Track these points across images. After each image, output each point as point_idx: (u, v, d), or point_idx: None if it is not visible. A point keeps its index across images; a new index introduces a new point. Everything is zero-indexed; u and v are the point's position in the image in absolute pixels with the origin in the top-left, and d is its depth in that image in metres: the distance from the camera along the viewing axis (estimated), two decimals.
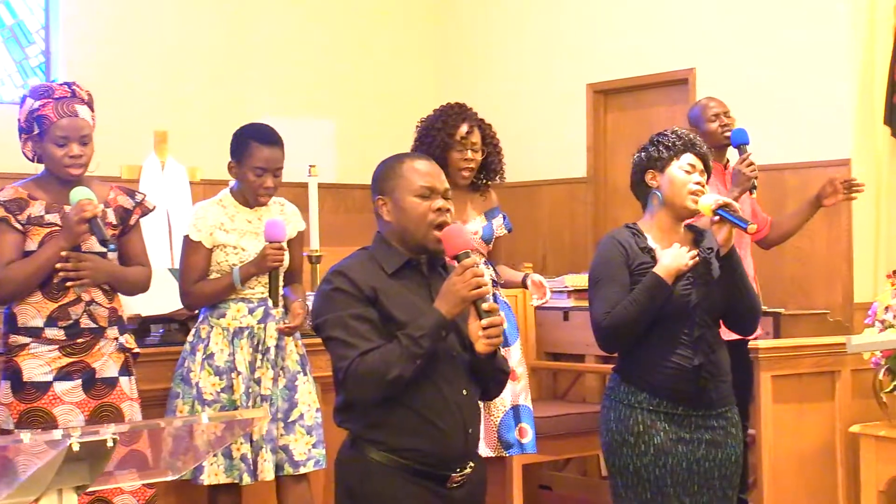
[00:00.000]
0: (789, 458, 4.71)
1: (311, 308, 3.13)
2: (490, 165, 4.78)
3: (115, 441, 1.98)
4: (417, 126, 4.75)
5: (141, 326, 4.72)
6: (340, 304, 2.98)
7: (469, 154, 4.65)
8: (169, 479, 2.24)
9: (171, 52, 7.69)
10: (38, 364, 3.74)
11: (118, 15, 7.56)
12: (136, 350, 3.97)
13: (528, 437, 4.72)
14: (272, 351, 4.19)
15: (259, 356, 4.18)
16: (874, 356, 4.57)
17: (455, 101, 4.83)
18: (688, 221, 3.69)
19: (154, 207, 4.09)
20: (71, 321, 3.78)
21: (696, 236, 3.68)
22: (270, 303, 4.19)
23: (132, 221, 3.99)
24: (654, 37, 7.44)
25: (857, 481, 4.78)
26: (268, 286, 4.16)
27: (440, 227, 3.04)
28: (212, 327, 4.20)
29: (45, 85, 3.86)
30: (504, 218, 4.87)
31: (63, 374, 3.75)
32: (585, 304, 6.04)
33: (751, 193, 5.05)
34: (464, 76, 8.53)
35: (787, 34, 6.73)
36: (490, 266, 4.77)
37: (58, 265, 3.73)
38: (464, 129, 4.64)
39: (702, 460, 3.54)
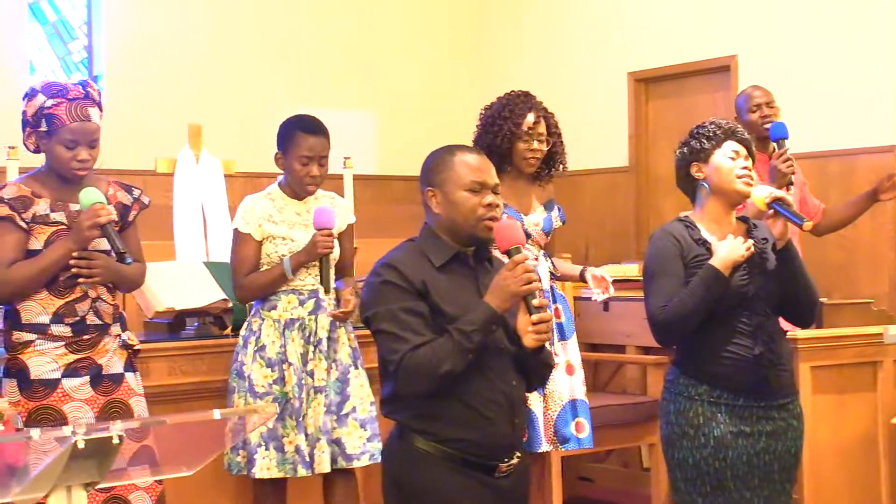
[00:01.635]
0: (830, 450, 4.65)
1: (360, 300, 3.12)
2: (553, 156, 4.73)
3: (121, 438, 1.98)
4: (481, 113, 4.69)
5: (176, 320, 4.75)
6: (391, 297, 3.00)
7: (535, 144, 4.60)
8: (184, 474, 2.24)
9: (207, 46, 7.72)
10: (45, 361, 3.71)
11: (158, 10, 7.60)
12: (138, 346, 3.95)
13: (585, 432, 4.68)
14: (324, 342, 4.20)
15: (311, 348, 4.18)
16: None
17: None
18: (738, 212, 3.65)
19: (149, 203, 4.03)
20: (77, 318, 3.75)
21: (749, 227, 3.64)
22: (322, 291, 4.19)
23: (130, 217, 3.94)
24: (695, 24, 7.36)
25: None
26: (319, 274, 4.16)
27: (490, 221, 3.06)
28: (263, 319, 4.21)
29: (60, 83, 3.80)
30: (559, 210, 4.83)
31: (70, 371, 3.73)
32: (626, 294, 6.05)
33: (787, 189, 4.97)
34: (504, 66, 8.48)
35: (829, 20, 6.63)
36: (548, 258, 4.72)
37: (71, 262, 3.71)
38: (530, 118, 4.58)
39: (762, 453, 3.51)
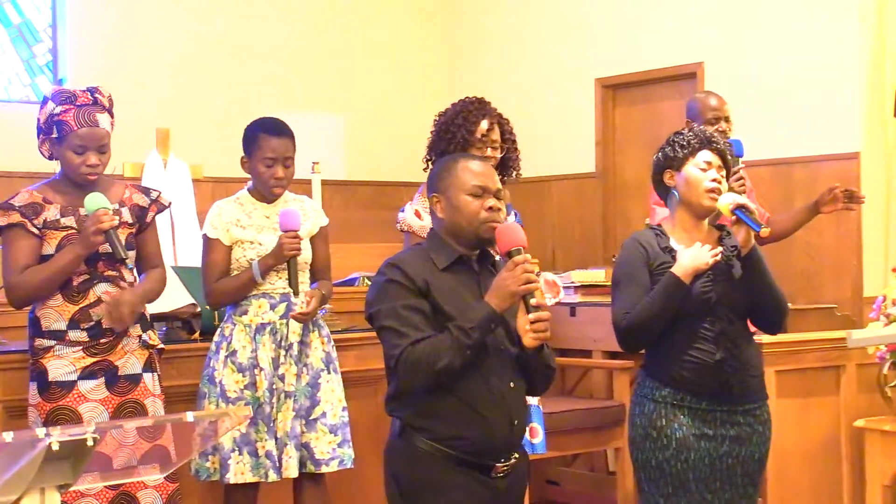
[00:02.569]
0: (794, 453, 4.70)
1: (365, 299, 3.20)
2: (507, 162, 4.74)
3: (95, 440, 1.98)
4: (435, 120, 4.68)
5: None
6: (394, 295, 3.09)
7: (489, 151, 4.59)
8: (155, 476, 2.24)
9: (175, 50, 7.70)
10: (62, 364, 3.80)
11: (124, 13, 7.58)
12: (160, 346, 4.03)
13: (539, 437, 4.70)
14: (295, 347, 4.20)
15: (282, 352, 4.18)
16: (879, 350, 4.54)
17: (464, 96, 4.78)
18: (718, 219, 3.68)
19: (170, 204, 4.15)
20: (92, 322, 3.83)
21: (722, 234, 3.67)
22: (292, 294, 4.20)
23: (148, 219, 4.03)
24: (662, 31, 7.42)
25: (861, 476, 4.77)
26: (288, 278, 4.16)
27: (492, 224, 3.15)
28: (234, 325, 4.21)
29: (68, 90, 3.89)
30: (516, 215, 4.85)
31: (87, 374, 3.82)
32: (592, 299, 6.09)
33: None
34: (472, 72, 8.52)
35: (795, 27, 6.70)
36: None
37: (101, 316, 3.80)
38: (484, 125, 4.57)
39: (725, 457, 3.53)
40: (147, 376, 3.94)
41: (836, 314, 5.70)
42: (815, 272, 6.51)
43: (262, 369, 4.15)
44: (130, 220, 3.95)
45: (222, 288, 4.21)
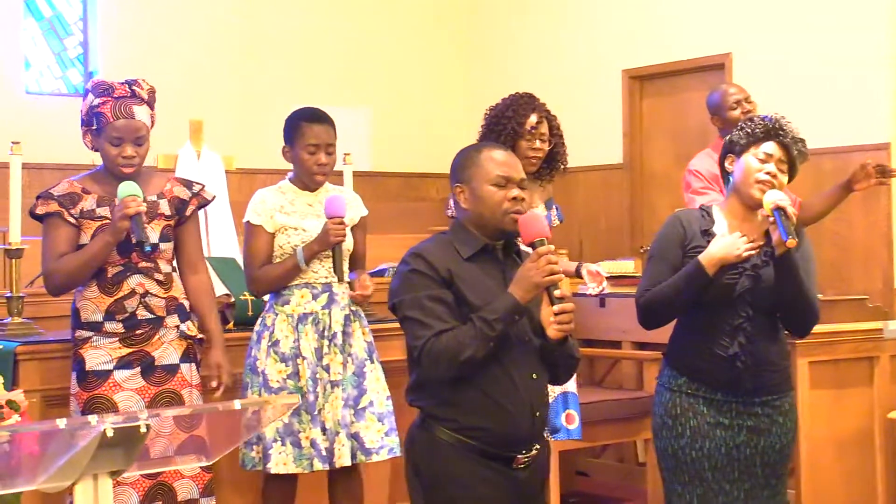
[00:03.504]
0: (827, 445, 4.69)
1: (389, 289, 3.18)
2: (555, 156, 4.80)
3: (148, 427, 2.00)
4: (486, 114, 4.77)
5: None
6: (418, 286, 3.07)
7: (537, 144, 4.66)
8: (203, 464, 2.26)
9: (205, 42, 7.73)
10: (99, 354, 3.84)
11: (154, 5, 7.61)
12: (200, 336, 4.03)
13: (575, 424, 4.74)
14: (339, 336, 4.21)
15: (326, 342, 4.18)
16: None
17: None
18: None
19: (213, 198, 4.16)
20: (127, 314, 3.86)
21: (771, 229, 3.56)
22: (335, 281, 4.21)
23: (188, 212, 4.03)
24: (689, 22, 7.40)
25: (895, 467, 4.75)
26: (332, 264, 4.18)
27: (516, 214, 3.12)
28: (276, 314, 4.21)
29: (107, 82, 3.91)
30: (557, 209, 4.89)
31: (123, 364, 3.85)
32: (621, 290, 6.08)
33: None
34: (499, 64, 8.52)
35: (823, 17, 6.68)
36: None
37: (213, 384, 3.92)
38: (533, 118, 4.65)
39: (742, 446, 3.52)
40: (184, 366, 3.95)
41: (868, 305, 5.68)
42: (845, 263, 6.49)
43: (304, 359, 4.16)
44: (168, 213, 3.95)
45: (266, 275, 4.22)
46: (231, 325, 4.74)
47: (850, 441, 4.74)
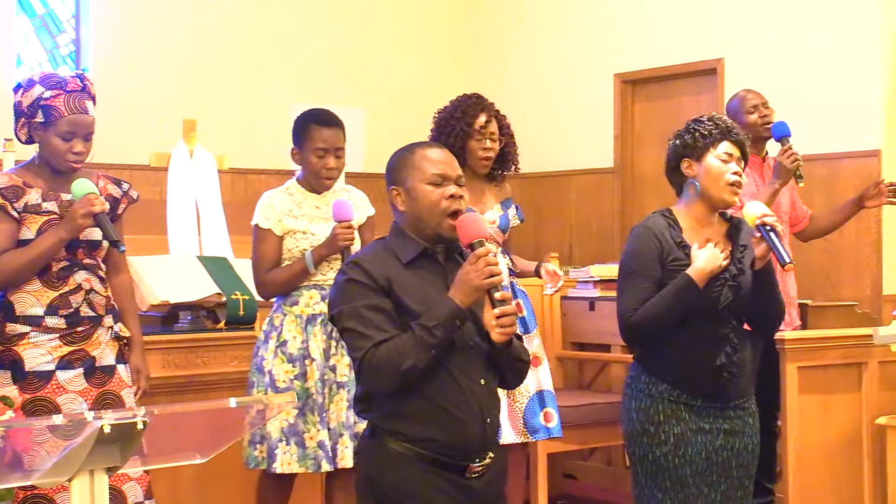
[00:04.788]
0: (815, 450, 4.70)
1: (328, 299, 3.14)
2: (507, 156, 4.83)
3: (145, 424, 2.01)
4: (434, 116, 4.80)
5: (169, 313, 4.76)
6: (355, 295, 2.98)
7: (488, 143, 4.69)
8: (197, 461, 2.26)
9: (199, 41, 7.72)
10: (39, 353, 3.72)
11: (147, 4, 7.60)
12: (126, 338, 3.95)
13: (554, 422, 4.76)
14: None
15: (333, 343, 4.18)
16: None
17: (482, 90, 4.87)
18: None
19: (138, 198, 4.03)
20: (71, 310, 3.76)
21: (731, 228, 3.63)
22: None
23: (119, 211, 3.95)
24: (682, 27, 7.42)
25: (883, 473, 4.77)
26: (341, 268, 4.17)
27: (454, 214, 3.03)
28: (285, 315, 4.21)
29: (58, 75, 3.80)
30: (517, 208, 4.91)
31: (64, 363, 3.74)
32: (611, 294, 6.07)
33: (797, 182, 5.05)
34: (492, 66, 8.53)
35: (816, 24, 6.70)
36: (506, 255, 4.80)
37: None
38: (482, 118, 4.69)
39: (720, 450, 3.54)
40: (120, 367, 3.87)
41: (857, 311, 5.71)
42: (834, 269, 6.52)
43: (313, 360, 4.15)
44: (108, 207, 3.82)
45: (274, 278, 4.21)
46: (222, 324, 4.75)
47: (838, 446, 4.76)
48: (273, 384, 4.14)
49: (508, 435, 4.62)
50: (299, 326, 4.19)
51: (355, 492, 3.12)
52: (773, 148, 5.20)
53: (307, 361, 4.16)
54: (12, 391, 3.36)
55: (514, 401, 4.66)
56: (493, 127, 4.70)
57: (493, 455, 3.08)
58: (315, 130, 4.24)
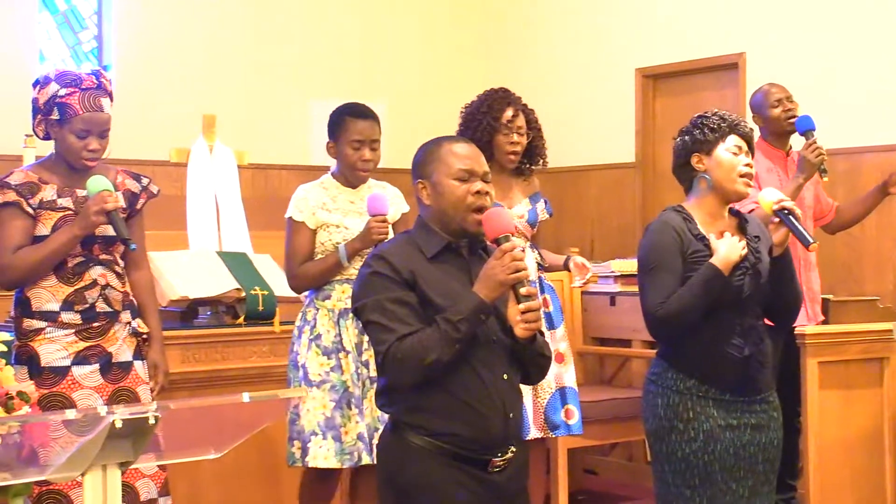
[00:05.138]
0: (836, 446, 4.68)
1: (352, 292, 3.13)
2: (534, 150, 4.81)
3: (156, 419, 2.01)
4: (462, 111, 4.78)
5: (189, 308, 4.78)
6: (379, 288, 2.98)
7: (515, 137, 4.67)
8: (212, 456, 2.27)
9: (220, 36, 7.73)
10: (55, 349, 3.72)
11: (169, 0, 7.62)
12: (145, 334, 3.96)
13: (575, 419, 4.74)
14: None
15: (365, 338, 4.16)
16: None
17: (503, 84, 4.85)
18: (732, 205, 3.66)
19: (158, 192, 4.04)
20: (87, 305, 3.76)
21: (740, 222, 3.64)
22: None
23: (139, 206, 3.96)
24: (703, 21, 7.39)
25: None
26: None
27: (479, 210, 3.03)
28: (317, 309, 4.21)
29: (73, 73, 3.80)
30: (546, 203, 4.90)
31: (80, 359, 3.74)
32: (632, 289, 6.07)
33: (821, 176, 5.02)
34: (512, 60, 8.51)
35: (837, 18, 6.66)
36: (535, 249, 4.79)
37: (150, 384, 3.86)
38: (509, 113, 4.67)
39: (748, 445, 3.53)
40: (137, 364, 3.88)
41: (878, 306, 5.68)
42: (856, 264, 6.48)
43: (348, 353, 4.15)
44: (124, 206, 3.86)
45: (307, 272, 4.21)
46: (242, 319, 4.76)
47: (859, 442, 4.74)
48: (306, 378, 4.12)
49: (528, 431, 4.62)
50: (332, 320, 4.19)
51: (377, 487, 3.11)
52: (796, 142, 5.17)
53: (341, 354, 4.15)
54: (29, 386, 3.36)
55: (536, 396, 4.65)
56: (521, 121, 4.68)
57: (514, 450, 3.07)
58: (351, 122, 4.25)
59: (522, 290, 2.94)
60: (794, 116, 5.12)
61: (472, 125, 4.66)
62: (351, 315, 4.16)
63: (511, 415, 3.05)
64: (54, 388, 3.69)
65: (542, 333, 3.11)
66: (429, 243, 3.05)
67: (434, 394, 2.96)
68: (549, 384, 4.66)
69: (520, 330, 2.97)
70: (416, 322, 2.95)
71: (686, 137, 3.63)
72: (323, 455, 4.09)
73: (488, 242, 3.07)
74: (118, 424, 1.96)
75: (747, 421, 3.54)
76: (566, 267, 4.78)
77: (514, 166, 4.74)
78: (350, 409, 4.13)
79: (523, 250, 4.61)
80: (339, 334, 4.16)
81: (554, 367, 4.66)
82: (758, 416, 3.56)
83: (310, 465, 4.09)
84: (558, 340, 4.73)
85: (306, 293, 4.35)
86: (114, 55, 7.54)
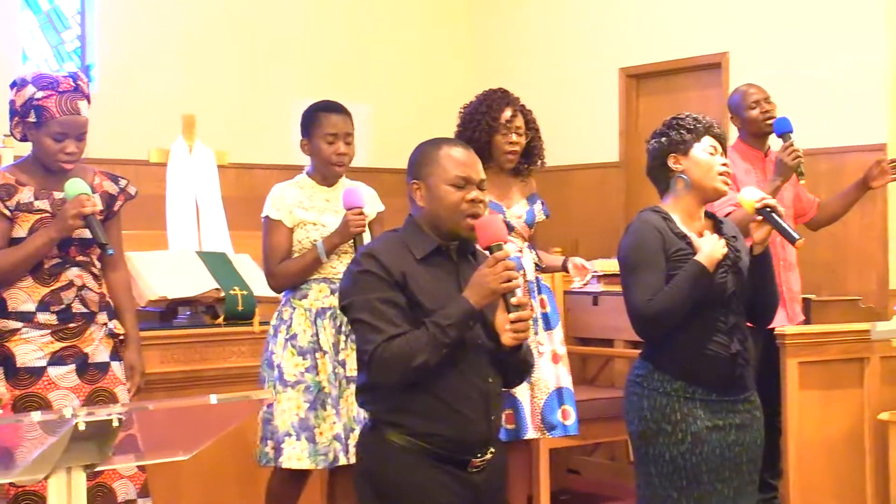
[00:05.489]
0: (816, 446, 4.68)
1: (339, 288, 3.12)
2: (532, 150, 4.81)
3: (119, 421, 2.00)
4: (460, 112, 4.78)
5: (168, 309, 4.76)
6: (369, 287, 2.97)
7: (514, 138, 4.67)
8: (180, 458, 2.26)
9: (200, 36, 7.72)
10: (31, 349, 3.71)
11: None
12: (122, 335, 3.94)
13: (571, 420, 4.75)
14: None
15: (342, 337, 4.17)
16: None
17: (486, 84, 4.85)
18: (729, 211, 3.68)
19: (136, 194, 4.02)
20: (63, 306, 3.75)
21: (716, 223, 3.65)
22: None
23: (116, 208, 3.94)
24: (686, 21, 7.40)
25: (885, 469, 4.74)
26: (354, 254, 4.15)
27: (473, 218, 3.03)
28: (294, 308, 4.20)
29: (50, 75, 3.77)
30: (542, 203, 4.90)
31: (56, 359, 3.73)
32: (615, 288, 6.08)
33: (798, 179, 5.01)
34: (497, 61, 8.51)
35: (820, 18, 6.67)
36: (532, 250, 4.79)
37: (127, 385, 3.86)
38: (507, 113, 4.66)
39: (733, 445, 3.53)
40: (115, 364, 3.87)
41: (861, 306, 5.69)
42: (840, 263, 6.48)
43: (325, 353, 4.14)
44: (101, 207, 3.83)
45: (287, 269, 4.20)
46: (221, 319, 4.75)
47: (839, 442, 4.73)
48: (281, 378, 4.12)
49: (527, 430, 4.61)
50: (309, 320, 4.18)
51: (354, 485, 3.12)
52: (775, 143, 5.16)
53: (318, 354, 4.14)
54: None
55: (534, 396, 4.65)
56: (519, 121, 4.68)
57: (493, 450, 3.08)
58: (323, 117, 4.24)
59: (513, 300, 2.95)
60: (771, 118, 5.10)
61: (471, 125, 4.66)
62: (328, 314, 4.16)
63: (493, 417, 3.07)
64: (30, 388, 3.68)
65: (525, 342, 3.09)
66: (419, 244, 3.04)
67: (419, 395, 2.97)
68: (546, 384, 4.66)
69: (507, 338, 2.98)
70: (404, 323, 2.94)
71: (662, 139, 3.63)
72: (296, 456, 4.08)
73: (480, 248, 3.07)
74: (81, 427, 1.94)
75: (732, 421, 3.54)
76: (564, 268, 4.79)
77: (512, 166, 4.74)
78: (325, 409, 4.12)
79: (521, 251, 4.65)
80: (316, 334, 4.15)
81: (552, 368, 4.67)
82: (742, 416, 3.56)
83: (283, 466, 4.08)
84: (556, 341, 4.73)
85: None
86: (97, 55, 7.52)
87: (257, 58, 7.89)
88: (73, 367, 3.75)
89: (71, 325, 3.76)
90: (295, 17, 8.12)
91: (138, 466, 3.73)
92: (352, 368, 4.14)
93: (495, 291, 2.93)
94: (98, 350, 3.82)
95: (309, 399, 4.11)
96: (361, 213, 4.12)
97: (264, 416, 4.12)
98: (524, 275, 4.59)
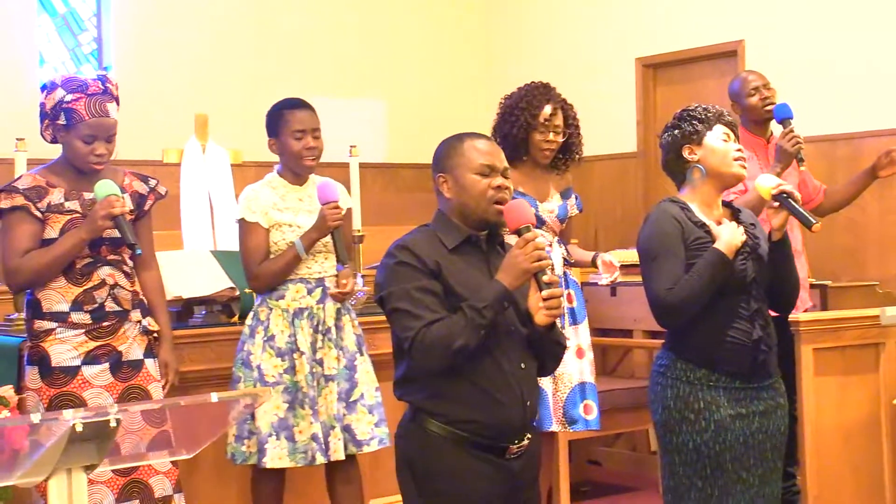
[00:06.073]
0: (832, 432, 4.66)
1: (374, 282, 3.18)
2: (570, 146, 4.82)
3: (117, 421, 2.02)
4: (501, 103, 4.79)
5: (183, 308, 4.80)
6: (405, 277, 3.06)
7: (551, 136, 4.69)
8: (183, 457, 2.28)
9: (214, 36, 7.75)
10: (65, 349, 3.78)
11: (165, 1, 7.64)
12: (156, 332, 4.01)
13: (593, 414, 4.77)
14: (333, 331, 4.23)
15: (320, 336, 4.21)
16: None
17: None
18: (739, 195, 3.69)
19: (166, 193, 4.10)
20: (96, 305, 3.82)
21: (733, 210, 3.67)
22: (328, 276, 4.23)
23: (146, 207, 4.02)
24: (702, 10, 7.37)
25: None
26: (334, 248, 4.17)
27: (500, 204, 3.13)
28: (271, 309, 4.23)
29: (80, 78, 3.85)
30: (577, 198, 4.91)
31: (90, 358, 3.80)
32: (633, 279, 6.05)
33: (799, 166, 4.99)
34: (513, 53, 8.51)
35: (835, 2, 6.63)
36: (562, 245, 4.80)
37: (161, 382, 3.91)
38: (547, 110, 4.67)
39: (756, 433, 3.54)
40: (149, 362, 3.93)
41: (878, 291, 5.65)
42: (859, 249, 6.45)
43: (302, 353, 4.17)
44: (131, 207, 3.92)
45: (268, 270, 4.22)
46: (236, 317, 4.78)
47: (856, 428, 4.71)
48: (262, 378, 4.16)
49: (549, 423, 4.64)
50: (286, 321, 4.20)
51: (396, 474, 3.19)
52: (778, 129, 5.14)
53: (296, 355, 4.18)
54: (8, 391, 3.39)
55: (556, 390, 4.67)
56: (559, 119, 4.69)
57: (530, 437, 3.17)
58: (289, 114, 4.26)
59: (544, 278, 3.03)
60: (771, 104, 5.07)
61: (510, 120, 4.68)
62: (305, 314, 4.20)
63: (528, 403, 3.14)
64: (65, 387, 3.76)
65: (558, 322, 3.19)
66: (449, 235, 3.14)
67: (456, 382, 3.06)
68: (570, 378, 4.68)
69: (541, 317, 3.07)
70: (441, 310, 3.03)
71: (675, 132, 3.66)
72: (278, 455, 4.13)
73: (509, 233, 3.14)
74: (79, 428, 1.97)
75: (755, 408, 3.55)
76: (594, 264, 4.80)
77: (548, 162, 4.75)
78: (304, 409, 4.15)
79: (550, 245, 4.66)
80: (294, 334, 4.18)
81: (576, 362, 4.70)
82: (765, 403, 3.57)
83: (267, 466, 4.12)
84: (581, 336, 4.75)
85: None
86: (113, 57, 7.57)
87: (270, 56, 7.91)
88: (106, 365, 3.82)
89: (105, 323, 3.83)
90: (307, 14, 8.14)
91: (172, 462, 3.80)
92: (330, 367, 4.19)
93: (527, 271, 3.01)
94: (132, 348, 3.89)
95: (288, 399, 4.15)
96: (338, 207, 4.15)
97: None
98: (552, 268, 4.60)
